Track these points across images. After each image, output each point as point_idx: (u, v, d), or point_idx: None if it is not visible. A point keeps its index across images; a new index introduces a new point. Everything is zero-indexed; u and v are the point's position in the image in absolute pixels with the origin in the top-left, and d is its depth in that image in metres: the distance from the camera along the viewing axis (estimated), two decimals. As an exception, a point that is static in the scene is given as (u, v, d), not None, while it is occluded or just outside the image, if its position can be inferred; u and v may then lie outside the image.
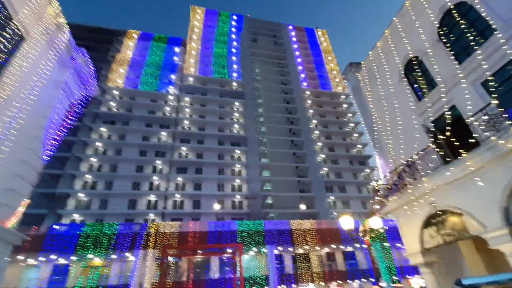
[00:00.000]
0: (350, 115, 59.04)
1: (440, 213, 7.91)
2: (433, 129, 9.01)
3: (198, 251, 24.26)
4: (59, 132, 11.28)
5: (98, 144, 40.79)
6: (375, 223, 7.91)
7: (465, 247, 8.53)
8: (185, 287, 23.69)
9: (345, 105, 60.31)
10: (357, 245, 29.74)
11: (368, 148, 54.10)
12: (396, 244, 31.42)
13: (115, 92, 47.19)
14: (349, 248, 31.87)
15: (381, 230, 7.94)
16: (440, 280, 8.09)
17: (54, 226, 23.98)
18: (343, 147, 53.01)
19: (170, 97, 49.24)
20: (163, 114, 47.18)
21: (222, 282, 24.63)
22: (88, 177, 37.61)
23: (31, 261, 23.43)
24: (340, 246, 30.26)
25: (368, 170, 50.42)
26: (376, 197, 9.14)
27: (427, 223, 8.22)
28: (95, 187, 37.16)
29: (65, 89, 11.18)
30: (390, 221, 32.46)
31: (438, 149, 8.27)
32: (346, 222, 7.95)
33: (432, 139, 8.67)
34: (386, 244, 29.85)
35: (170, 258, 24.06)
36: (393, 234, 29.99)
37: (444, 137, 8.21)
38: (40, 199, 33.51)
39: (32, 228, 22.82)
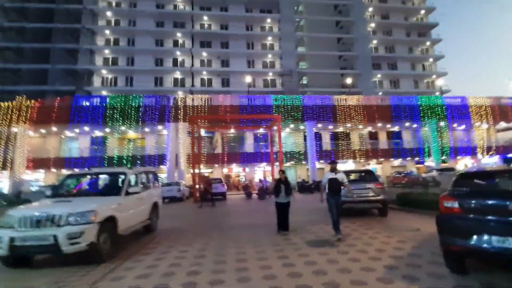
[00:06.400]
0: (417, -33, 44.09)
1: None
2: None
3: (231, 125, 22.38)
4: None
5: (109, 13, 35.22)
6: None
7: None
8: (220, 159, 23.28)
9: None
10: (407, 123, 26.25)
11: (434, 14, 42.51)
12: (454, 125, 27.46)
13: None
14: (395, 128, 28.79)
15: None
16: None
17: (83, 101, 22.34)
18: (401, 13, 41.95)
19: (182, -52, 38.19)
20: (175, -27, 37.83)
21: (258, 156, 23.82)
22: (107, 52, 34.30)
23: (67, 133, 23.50)
24: (387, 126, 27.07)
25: (428, 43, 41.16)
26: None
27: None
28: (117, 63, 34.35)
29: None
30: (452, 97, 27.42)
31: None
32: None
33: None
34: (442, 123, 25.93)
35: (203, 132, 22.77)
36: (454, 113, 25.62)
37: None
38: (64, 76, 31.95)
39: (55, 99, 21.54)
